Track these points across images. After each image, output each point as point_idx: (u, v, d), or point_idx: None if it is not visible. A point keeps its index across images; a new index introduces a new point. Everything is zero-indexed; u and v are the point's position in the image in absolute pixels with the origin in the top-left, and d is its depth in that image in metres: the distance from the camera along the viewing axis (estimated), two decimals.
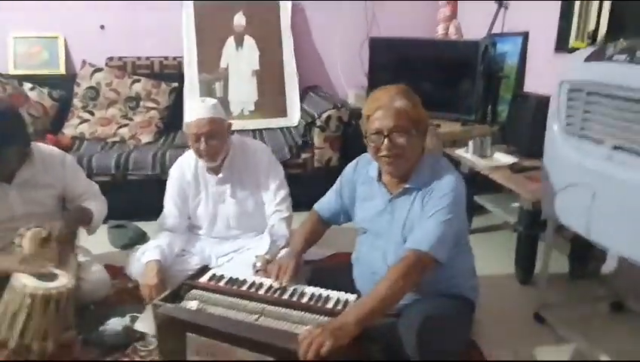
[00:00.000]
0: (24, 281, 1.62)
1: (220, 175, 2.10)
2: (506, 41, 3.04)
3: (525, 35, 2.92)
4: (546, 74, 2.69)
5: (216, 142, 1.99)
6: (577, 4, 2.45)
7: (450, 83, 3.07)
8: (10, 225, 1.92)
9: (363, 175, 1.70)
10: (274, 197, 2.12)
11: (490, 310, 1.96)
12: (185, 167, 2.13)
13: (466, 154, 2.59)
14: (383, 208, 1.61)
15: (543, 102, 2.33)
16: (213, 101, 2.03)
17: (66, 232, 1.89)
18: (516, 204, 2.37)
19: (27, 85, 3.12)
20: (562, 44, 2.59)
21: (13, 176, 1.91)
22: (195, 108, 1.99)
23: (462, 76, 3.01)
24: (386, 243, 1.60)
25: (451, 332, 1.54)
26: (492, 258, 2.47)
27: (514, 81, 2.97)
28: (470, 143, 2.57)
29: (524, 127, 2.52)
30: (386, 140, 1.49)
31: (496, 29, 3.05)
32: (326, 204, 1.84)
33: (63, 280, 1.70)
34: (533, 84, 2.86)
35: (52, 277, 1.70)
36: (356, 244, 1.76)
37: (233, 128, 2.13)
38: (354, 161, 1.76)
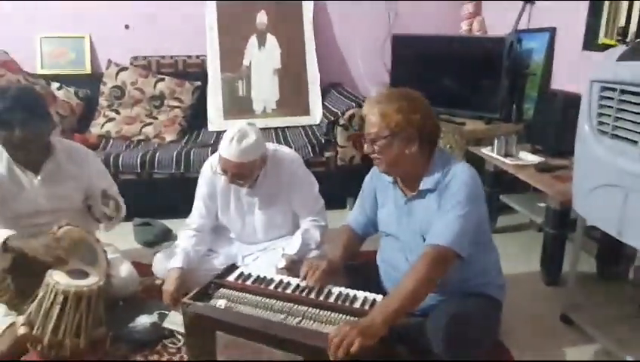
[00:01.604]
0: (57, 279, 1.66)
1: (251, 188, 2.06)
2: (532, 38, 3.00)
3: (552, 32, 2.87)
4: (574, 71, 2.65)
5: (242, 181, 1.96)
6: (607, 1, 2.40)
7: (474, 80, 3.04)
8: (35, 220, 1.97)
9: (380, 182, 1.72)
10: (310, 211, 2.09)
11: (516, 310, 1.95)
12: (216, 171, 2.09)
13: (490, 153, 2.56)
14: (400, 211, 1.63)
15: (571, 100, 2.31)
16: (249, 142, 1.87)
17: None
18: (543, 204, 2.35)
19: (55, 85, 3.18)
20: (591, 41, 2.54)
21: (40, 169, 1.95)
22: (227, 145, 1.87)
23: (486, 73, 2.97)
24: (407, 245, 1.62)
25: (479, 332, 1.53)
26: (517, 258, 2.45)
27: (540, 79, 2.93)
28: (495, 142, 2.55)
29: (551, 125, 2.48)
30: (366, 144, 1.56)
31: (521, 26, 3.01)
32: (354, 218, 1.84)
33: (94, 277, 1.75)
34: (560, 82, 2.81)
35: (84, 274, 1.74)
36: (380, 246, 1.77)
37: None
38: (370, 171, 1.79)
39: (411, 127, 1.50)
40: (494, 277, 1.66)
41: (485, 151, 2.61)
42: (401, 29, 3.62)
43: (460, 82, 3.08)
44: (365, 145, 1.58)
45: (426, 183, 1.55)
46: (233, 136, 1.87)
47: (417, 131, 1.51)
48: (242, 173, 1.92)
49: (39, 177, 1.95)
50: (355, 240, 1.83)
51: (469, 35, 3.53)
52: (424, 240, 1.52)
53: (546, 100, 2.64)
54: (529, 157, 2.46)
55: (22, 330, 1.64)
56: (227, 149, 1.88)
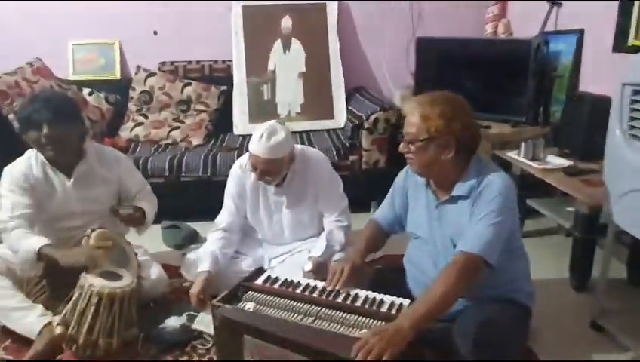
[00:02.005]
0: (91, 281, 1.71)
1: (279, 187, 2.10)
2: (560, 40, 2.96)
3: (580, 33, 2.83)
4: (603, 73, 2.60)
5: (270, 178, 2.00)
6: (638, 2, 2.35)
7: (499, 83, 3.01)
8: (68, 223, 2.04)
9: (413, 182, 1.71)
10: (334, 209, 2.11)
11: (544, 316, 1.93)
12: (246, 169, 2.11)
13: (517, 156, 2.54)
14: (431, 214, 1.62)
15: (600, 103, 2.27)
16: (278, 139, 1.91)
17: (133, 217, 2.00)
18: (571, 208, 2.31)
19: (85, 90, 3.26)
20: (620, 43, 2.50)
21: (72, 172, 2.01)
22: (256, 141, 1.92)
23: (512, 76, 2.94)
24: (436, 249, 1.61)
25: (508, 339, 1.52)
26: (544, 263, 2.42)
27: (568, 81, 2.88)
28: (522, 145, 2.52)
29: (580, 128, 2.44)
30: (402, 144, 1.56)
31: (548, 27, 2.97)
32: (382, 213, 1.84)
33: (127, 279, 1.79)
34: (588, 84, 2.77)
35: (117, 276, 1.79)
36: (408, 248, 1.77)
37: None
38: (404, 169, 1.77)
39: (450, 133, 1.48)
40: (524, 284, 1.64)
41: (511, 154, 2.59)
42: (426, 32, 3.62)
43: (485, 85, 3.05)
44: (401, 144, 1.57)
45: (459, 189, 1.54)
46: (263, 133, 1.91)
47: (456, 139, 1.48)
48: (271, 170, 1.96)
49: (72, 180, 2.01)
50: (380, 236, 1.84)
51: (494, 38, 3.50)
52: (454, 245, 1.52)
53: (574, 103, 2.60)
54: (557, 161, 2.43)
55: (58, 330, 1.70)
56: (257, 146, 1.91)
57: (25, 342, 1.83)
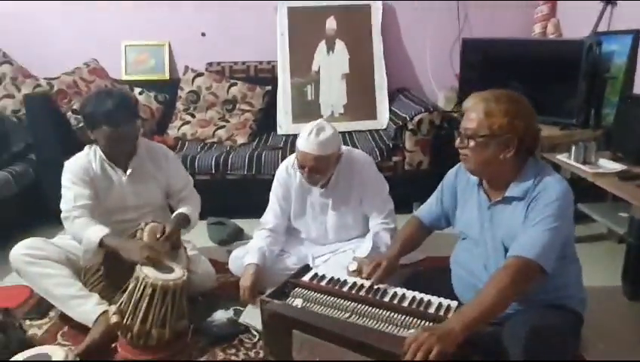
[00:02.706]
0: (146, 272, 1.77)
1: (324, 189, 2.12)
2: (614, 40, 2.86)
3: (636, 34, 2.73)
4: None
5: (318, 176, 2.01)
6: None
7: (548, 84, 2.94)
8: (123, 216, 2.12)
9: (464, 180, 1.69)
10: (380, 212, 2.12)
11: (596, 325, 1.87)
12: (291, 171, 2.16)
13: (567, 159, 2.48)
14: (482, 215, 1.60)
15: None
16: (326, 135, 1.94)
17: (175, 231, 2.05)
18: (625, 214, 2.24)
19: (136, 90, 3.38)
20: None
21: (127, 166, 2.09)
22: (305, 138, 1.95)
23: (562, 77, 2.87)
24: (486, 251, 1.59)
25: (559, 345, 1.48)
26: (595, 270, 2.33)
27: (622, 83, 2.79)
28: (572, 148, 2.46)
29: (634, 131, 2.37)
30: (458, 139, 1.53)
31: (601, 28, 2.88)
32: (427, 209, 1.84)
33: (179, 272, 1.85)
34: None
35: (169, 269, 1.85)
36: (455, 248, 1.75)
37: None
38: (456, 166, 1.75)
39: (513, 132, 1.45)
40: (576, 290, 1.60)
41: (561, 157, 2.53)
42: (471, 33, 3.57)
43: (534, 87, 2.96)
44: (458, 139, 1.54)
45: (514, 190, 1.51)
46: (312, 130, 1.94)
47: (518, 138, 1.45)
48: (319, 167, 1.98)
49: (127, 175, 2.10)
50: (420, 233, 1.84)
51: (543, 38, 3.42)
52: (505, 248, 1.49)
53: (628, 105, 2.51)
54: (610, 165, 2.36)
55: (114, 319, 1.77)
56: (305, 142, 1.94)
57: (81, 328, 1.92)
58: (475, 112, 1.48)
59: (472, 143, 1.49)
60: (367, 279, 1.67)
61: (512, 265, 1.41)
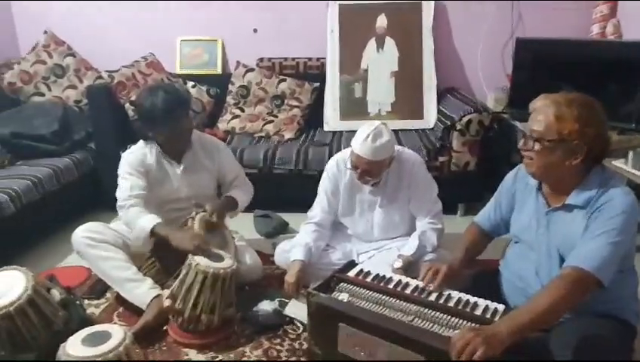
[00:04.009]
0: (198, 260, 1.85)
1: (374, 187, 2.14)
2: None
3: None
4: None
5: (370, 178, 2.03)
6: None
7: (605, 87, 2.84)
8: (175, 205, 2.21)
9: (523, 184, 1.64)
10: (428, 211, 2.12)
11: None
12: (341, 166, 2.17)
13: (624, 165, 2.40)
14: (539, 220, 1.56)
15: None
16: (382, 141, 1.94)
17: (215, 210, 2.11)
18: None
19: (190, 83, 3.49)
20: None
21: (181, 159, 2.18)
22: (361, 142, 1.95)
23: (621, 80, 2.76)
24: (540, 257, 1.55)
25: (610, 356, 1.44)
26: None
27: None
28: (630, 154, 2.38)
29: None
30: (522, 140, 1.49)
31: None
32: (485, 215, 1.80)
33: (229, 261, 1.92)
34: None
35: (219, 258, 1.92)
36: (507, 252, 1.73)
37: None
38: (514, 170, 1.71)
39: (582, 139, 1.39)
40: (631, 303, 1.54)
41: (618, 163, 2.45)
42: (525, 33, 3.49)
43: (589, 89, 2.78)
44: (522, 140, 1.50)
45: (575, 198, 1.46)
46: (369, 134, 1.94)
47: (587, 146, 1.40)
48: (372, 171, 2.00)
49: (181, 167, 2.18)
50: (481, 240, 1.80)
51: (602, 39, 3.30)
52: (560, 256, 1.46)
53: None
54: None
55: (167, 303, 1.86)
56: (361, 146, 1.95)
57: (135, 310, 2.02)
58: (544, 114, 1.43)
59: (537, 146, 1.44)
60: (425, 283, 1.65)
61: (569, 275, 1.37)
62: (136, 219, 2.00)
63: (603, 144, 1.45)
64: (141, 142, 2.19)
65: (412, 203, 2.14)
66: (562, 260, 1.47)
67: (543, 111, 1.44)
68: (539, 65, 3.13)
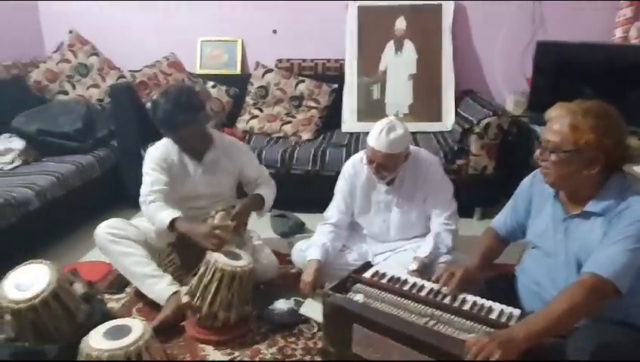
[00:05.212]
0: (216, 258, 1.89)
1: (390, 186, 2.15)
2: None
3: None
4: None
5: (386, 172, 2.05)
6: None
7: (627, 92, 2.81)
8: (193, 203, 2.25)
9: (539, 190, 1.64)
10: (443, 211, 2.13)
11: None
12: (358, 167, 2.19)
13: None
14: (556, 227, 1.55)
15: None
16: (397, 135, 1.96)
17: (245, 217, 2.15)
18: None
19: (210, 83, 3.54)
20: None
21: (202, 158, 2.21)
22: (376, 135, 1.97)
23: None
24: (557, 263, 1.54)
25: None
26: None
27: None
28: None
29: None
30: (538, 150, 1.48)
31: None
32: (502, 221, 1.79)
33: (246, 260, 1.95)
34: None
35: (237, 256, 1.95)
36: (524, 257, 1.72)
37: None
38: (531, 175, 1.70)
39: (600, 149, 1.37)
40: None
41: (638, 169, 2.41)
42: (546, 36, 3.45)
43: (610, 93, 2.79)
44: (538, 150, 1.49)
45: (594, 206, 1.45)
46: (383, 128, 1.96)
47: (605, 155, 1.38)
48: (388, 165, 2.01)
49: (202, 166, 2.22)
50: (498, 245, 1.79)
51: (625, 43, 3.26)
52: (577, 263, 1.46)
53: None
54: None
55: (185, 299, 1.90)
56: (376, 140, 1.97)
57: (154, 306, 2.07)
58: (559, 124, 1.42)
59: (553, 157, 1.43)
60: (439, 286, 1.65)
61: (586, 281, 1.36)
62: (156, 213, 2.05)
63: (622, 152, 1.42)
64: (165, 139, 2.23)
65: (427, 202, 2.15)
66: (580, 267, 1.46)
67: (558, 121, 1.43)
68: (560, 68, 3.11)
